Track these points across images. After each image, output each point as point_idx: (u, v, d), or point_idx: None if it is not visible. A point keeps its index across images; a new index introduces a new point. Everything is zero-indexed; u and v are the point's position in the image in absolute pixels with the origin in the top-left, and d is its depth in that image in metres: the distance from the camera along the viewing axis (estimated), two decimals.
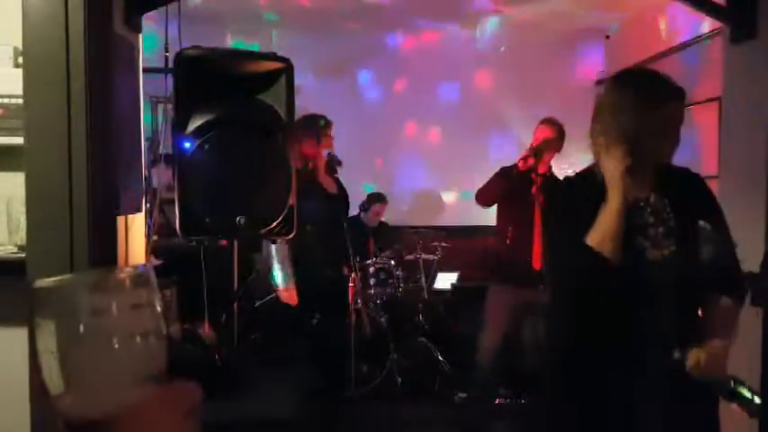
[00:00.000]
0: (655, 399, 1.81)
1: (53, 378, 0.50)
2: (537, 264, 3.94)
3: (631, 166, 1.82)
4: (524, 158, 3.87)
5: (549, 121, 4.04)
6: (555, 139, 3.96)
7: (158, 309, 0.53)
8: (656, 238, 1.83)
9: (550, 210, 2.10)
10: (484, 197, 4.02)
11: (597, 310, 1.84)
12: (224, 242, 4.08)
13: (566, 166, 4.08)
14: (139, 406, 0.51)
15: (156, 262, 3.38)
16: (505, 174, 3.96)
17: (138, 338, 0.52)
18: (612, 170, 1.81)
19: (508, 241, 3.98)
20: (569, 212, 1.96)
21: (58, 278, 0.52)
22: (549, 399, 2.14)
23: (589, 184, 1.92)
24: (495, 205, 4.14)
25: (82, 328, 0.50)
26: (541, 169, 3.93)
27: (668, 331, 1.79)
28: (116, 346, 0.50)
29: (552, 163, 4.08)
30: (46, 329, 0.50)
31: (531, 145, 3.96)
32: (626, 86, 1.86)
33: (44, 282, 0.51)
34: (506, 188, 3.90)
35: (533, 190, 3.94)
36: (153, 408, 0.52)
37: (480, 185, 4.09)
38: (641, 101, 1.80)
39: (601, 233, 1.78)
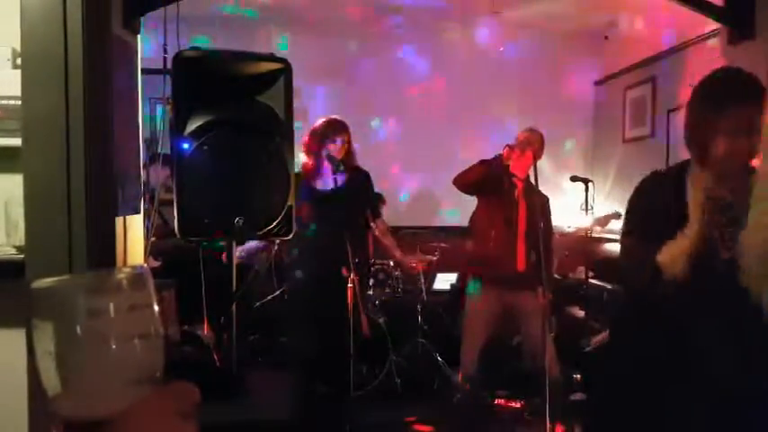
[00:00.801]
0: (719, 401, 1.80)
1: (51, 379, 0.50)
2: (521, 265, 3.93)
3: (713, 169, 1.83)
4: (510, 146, 3.86)
5: (531, 129, 4.08)
6: (537, 142, 3.97)
7: (156, 310, 0.53)
8: (725, 239, 1.82)
9: (630, 208, 2.11)
10: (462, 181, 3.94)
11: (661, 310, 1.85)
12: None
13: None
14: (137, 407, 0.51)
15: (154, 263, 3.37)
16: (485, 162, 3.92)
17: (135, 340, 0.52)
18: (694, 196, 1.82)
19: (492, 243, 3.97)
20: (644, 214, 1.98)
21: (56, 279, 0.52)
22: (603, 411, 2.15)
23: (669, 182, 1.95)
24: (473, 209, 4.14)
25: (79, 329, 0.50)
26: (521, 172, 3.94)
27: (733, 329, 1.78)
28: (113, 347, 0.50)
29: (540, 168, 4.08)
30: (44, 330, 0.50)
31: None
32: (706, 88, 1.85)
33: (41, 283, 0.51)
34: (485, 175, 3.84)
35: (516, 193, 3.95)
36: (151, 409, 0.52)
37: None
38: (719, 102, 1.80)
39: (671, 255, 1.80)
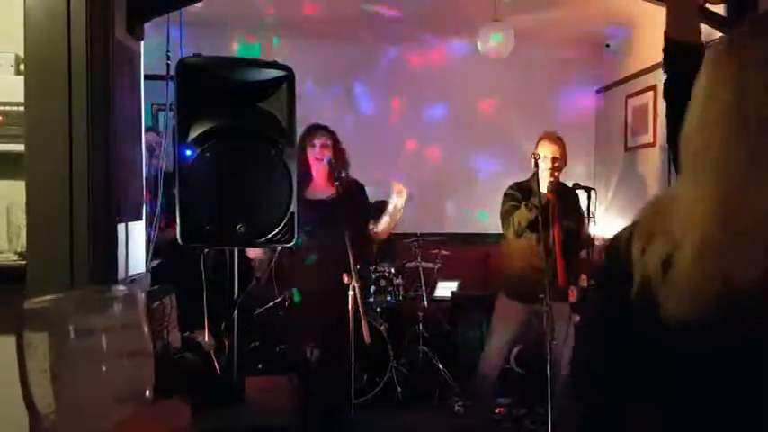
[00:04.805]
0: None
1: (44, 396, 0.51)
2: (561, 281, 3.76)
3: None
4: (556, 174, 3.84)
5: (552, 134, 3.99)
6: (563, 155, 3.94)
7: (146, 329, 0.54)
8: None
9: None
10: (521, 229, 3.79)
11: None
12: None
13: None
14: (127, 425, 0.51)
15: (153, 262, 3.37)
16: (520, 190, 3.86)
17: (125, 359, 0.52)
18: None
19: (528, 265, 3.81)
20: None
21: (48, 298, 0.52)
22: None
23: None
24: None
25: (71, 348, 0.50)
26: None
27: None
28: (104, 366, 0.51)
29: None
30: (36, 349, 0.51)
31: (552, 157, 3.89)
32: None
33: (34, 302, 0.52)
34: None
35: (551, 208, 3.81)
36: (140, 427, 0.52)
37: (500, 206, 3.94)
38: None
39: None
